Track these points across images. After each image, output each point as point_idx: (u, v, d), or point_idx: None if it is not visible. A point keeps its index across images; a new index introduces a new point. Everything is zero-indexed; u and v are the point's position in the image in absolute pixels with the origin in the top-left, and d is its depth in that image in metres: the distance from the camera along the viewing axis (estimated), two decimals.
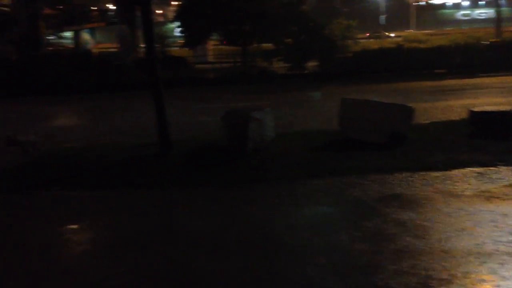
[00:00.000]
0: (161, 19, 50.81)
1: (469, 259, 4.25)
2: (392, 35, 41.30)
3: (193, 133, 10.60)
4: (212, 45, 36.27)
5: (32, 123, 13.50)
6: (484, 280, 3.91)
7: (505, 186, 6.14)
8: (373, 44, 30.44)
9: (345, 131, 9.00)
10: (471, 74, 21.45)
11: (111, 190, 7.02)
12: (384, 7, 41.33)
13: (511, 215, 5.19)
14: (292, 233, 5.10)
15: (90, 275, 4.47)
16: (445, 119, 10.72)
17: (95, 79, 22.77)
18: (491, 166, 6.90)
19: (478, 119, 8.73)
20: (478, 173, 6.70)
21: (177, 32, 32.84)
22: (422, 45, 26.23)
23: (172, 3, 47.96)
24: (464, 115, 9.70)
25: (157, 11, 50.69)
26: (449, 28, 49.96)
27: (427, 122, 10.32)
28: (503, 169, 6.79)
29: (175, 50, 33.54)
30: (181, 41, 31.44)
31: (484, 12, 61.47)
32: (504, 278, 3.92)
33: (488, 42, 25.16)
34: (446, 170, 6.86)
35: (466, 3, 64.99)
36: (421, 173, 6.80)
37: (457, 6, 65.50)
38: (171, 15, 40.52)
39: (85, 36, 41.01)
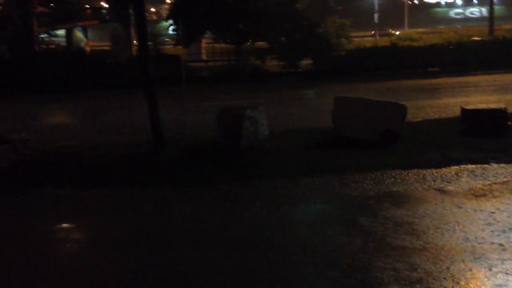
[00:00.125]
0: (154, 17, 50.72)
1: (461, 256, 4.28)
2: (397, 33, 41.22)
3: (187, 131, 10.59)
4: (206, 43, 36.24)
5: (25, 121, 13.45)
6: (476, 276, 3.94)
7: (497, 183, 6.18)
8: (367, 42, 30.51)
9: (338, 129, 9.02)
10: (463, 72, 21.54)
11: (105, 189, 7.01)
12: (378, 6, 41.35)
13: (504, 212, 5.23)
14: (286, 230, 5.12)
15: (85, 274, 4.47)
16: (437, 117, 10.78)
17: (88, 77, 22.70)
18: (484, 164, 6.95)
19: (470, 117, 8.79)
20: (470, 170, 6.74)
21: (171, 30, 32.80)
22: (415, 44, 26.32)
23: (166, 0, 47.89)
24: (456, 113, 9.75)
25: (150, 9, 50.60)
26: (442, 27, 50.12)
27: (420, 120, 10.37)
28: (495, 166, 6.84)
29: (169, 49, 33.48)
30: (169, 39, 31.39)
31: (476, 11, 61.76)
32: (496, 273, 3.95)
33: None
34: (439, 167, 6.91)
35: (459, 2, 65.24)
36: (414, 170, 6.84)
37: (450, 5, 65.74)
38: (164, 13, 40.46)
39: (78, 34, 40.84)
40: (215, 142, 8.78)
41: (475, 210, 5.32)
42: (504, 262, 4.13)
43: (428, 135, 8.77)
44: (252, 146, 8.45)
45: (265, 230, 5.22)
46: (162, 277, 4.30)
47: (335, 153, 7.91)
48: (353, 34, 31.43)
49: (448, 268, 4.09)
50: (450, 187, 6.11)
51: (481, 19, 53.26)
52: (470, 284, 3.84)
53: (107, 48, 37.17)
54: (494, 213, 5.21)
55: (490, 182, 6.21)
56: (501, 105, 9.10)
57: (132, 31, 32.17)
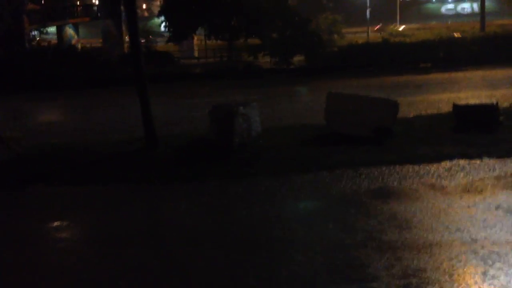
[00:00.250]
0: (146, 14, 50.53)
1: (455, 251, 4.30)
2: (401, 28, 41.15)
3: (180, 128, 10.57)
4: (198, 40, 36.15)
5: (17, 119, 13.37)
6: (470, 271, 3.96)
7: (490, 178, 6.21)
8: (360, 39, 30.53)
9: (331, 125, 9.03)
10: (455, 68, 21.61)
11: (98, 186, 6.99)
12: (369, 2, 41.36)
13: (497, 206, 5.25)
14: (280, 227, 5.12)
15: (79, 272, 4.46)
16: (430, 113, 10.80)
17: (80, 75, 22.57)
18: (476, 159, 6.98)
19: (462, 112, 8.82)
20: (463, 165, 6.77)
21: (162, 27, 32.70)
22: (407, 40, 26.37)
23: None
24: (448, 108, 9.78)
25: (142, 6, 50.40)
26: (433, 22, 50.25)
27: (412, 116, 10.39)
28: (487, 161, 6.87)
29: (160, 46, 33.37)
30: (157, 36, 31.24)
31: (468, 6, 61.94)
32: (489, 269, 3.98)
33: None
34: (431, 163, 6.93)
35: None
36: (407, 166, 6.86)
37: (441, 1, 65.90)
38: (156, 9, 40.33)
39: (69, 31, 40.62)
40: (207, 139, 8.76)
41: (468, 206, 5.34)
42: (498, 257, 4.15)
43: (420, 131, 8.79)
44: (245, 143, 8.44)
45: (259, 226, 5.22)
46: (157, 274, 4.29)
47: (328, 150, 7.92)
48: (349, 30, 31.50)
49: (441, 263, 4.11)
50: (443, 183, 6.13)
51: (472, 14, 53.43)
52: (464, 280, 3.86)
53: (99, 45, 37.01)
54: (487, 208, 5.23)
55: (482, 177, 6.24)
56: (493, 100, 9.15)
57: (124, 28, 32.05)
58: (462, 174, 6.41)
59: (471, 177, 6.27)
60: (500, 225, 4.77)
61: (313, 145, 8.41)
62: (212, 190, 6.54)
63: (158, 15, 31.33)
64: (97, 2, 41.62)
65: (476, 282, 3.81)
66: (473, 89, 15.05)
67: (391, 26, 41.77)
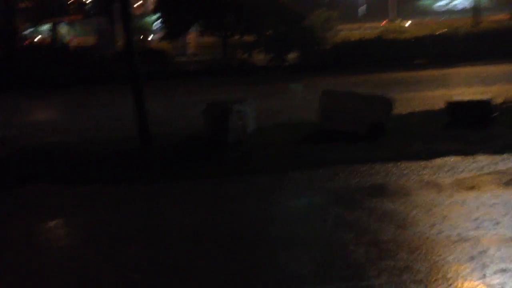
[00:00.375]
0: (140, 11, 50.33)
1: (450, 248, 4.32)
2: (407, 24, 40.99)
3: (175, 126, 10.54)
4: (192, 37, 36.02)
5: (8, 117, 13.31)
6: (465, 268, 3.98)
7: (484, 174, 6.24)
8: (355, 35, 30.48)
9: (325, 122, 9.03)
10: (449, 64, 21.65)
11: (93, 185, 6.98)
12: None
13: (491, 203, 5.28)
14: (275, 225, 5.13)
15: (78, 271, 4.45)
16: (423, 109, 10.82)
17: (73, 73, 22.49)
18: (470, 155, 7.00)
19: (456, 109, 8.84)
20: (456, 162, 6.80)
21: (156, 24, 32.60)
22: (401, 36, 26.36)
23: None
24: (442, 105, 9.80)
25: (135, 3, 50.21)
26: (427, 19, 50.29)
27: (406, 112, 10.40)
28: (481, 157, 6.90)
29: (154, 43, 33.23)
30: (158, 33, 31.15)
31: (462, 3, 62.00)
32: (485, 266, 3.99)
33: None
34: (425, 159, 6.95)
35: None
36: (401, 163, 6.88)
37: None
38: (150, 7, 40.16)
39: (62, 29, 40.42)
40: (203, 137, 8.76)
41: (462, 202, 5.36)
42: (492, 254, 4.17)
43: (414, 128, 8.82)
44: (240, 141, 8.44)
45: (255, 224, 5.23)
46: (157, 273, 4.29)
47: (323, 147, 7.93)
48: (344, 26, 31.40)
49: (436, 260, 4.12)
50: (437, 179, 6.16)
51: (466, 10, 53.45)
52: (459, 276, 3.88)
53: (92, 43, 36.85)
54: (481, 204, 5.25)
55: (476, 174, 6.27)
56: (486, 96, 9.17)
57: (117, 25, 31.90)
58: (456, 171, 6.43)
59: (465, 174, 6.29)
60: (496, 223, 4.79)
61: (308, 142, 8.42)
62: (207, 188, 6.54)
63: (152, 13, 31.19)
64: (90, 0, 41.41)
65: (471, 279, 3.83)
66: (467, 85, 15.08)
67: (398, 21, 41.67)
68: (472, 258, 4.10)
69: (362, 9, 40.49)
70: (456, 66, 21.25)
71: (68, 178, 7.29)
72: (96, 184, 6.99)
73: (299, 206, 5.80)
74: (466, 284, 3.76)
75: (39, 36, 38.47)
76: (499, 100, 10.16)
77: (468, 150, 7.20)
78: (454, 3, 59.81)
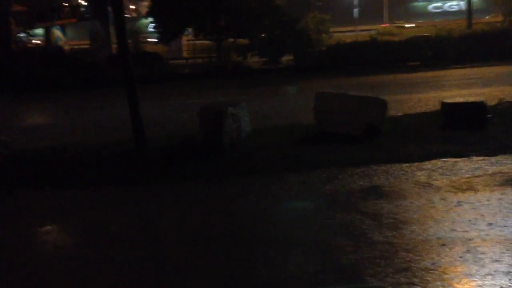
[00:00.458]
0: (134, 14, 50.28)
1: (445, 249, 4.32)
2: (408, 26, 41.11)
3: (169, 129, 10.54)
4: (186, 40, 36.04)
5: (4, 121, 13.26)
6: (461, 270, 3.98)
7: (478, 176, 6.25)
8: (349, 37, 30.58)
9: (320, 124, 9.04)
10: (443, 66, 21.75)
11: (89, 188, 6.94)
12: (358, 0, 41.48)
13: (486, 204, 5.28)
14: (271, 227, 5.12)
15: (75, 273, 4.43)
16: (418, 111, 10.86)
17: (68, 76, 22.47)
18: (465, 157, 7.02)
19: (450, 110, 8.87)
20: (451, 163, 6.81)
21: (150, 28, 32.58)
22: (395, 38, 26.47)
23: None
24: (436, 106, 9.84)
25: (129, 7, 50.14)
26: (421, 21, 50.46)
27: (401, 114, 10.44)
28: (476, 159, 6.92)
29: (149, 46, 33.23)
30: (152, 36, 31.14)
31: (455, 4, 62.25)
32: (479, 266, 3.99)
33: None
34: (420, 161, 6.96)
35: None
36: (396, 165, 6.88)
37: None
38: (144, 10, 40.12)
39: (56, 32, 40.35)
40: (197, 139, 8.74)
41: (458, 204, 5.37)
42: (488, 255, 4.17)
43: (409, 129, 8.83)
44: (234, 143, 8.43)
45: (250, 226, 5.22)
46: (155, 273, 4.27)
47: (317, 149, 7.93)
48: (338, 29, 31.50)
49: (433, 262, 4.12)
50: (431, 181, 6.16)
51: (460, 12, 53.68)
52: (456, 278, 3.88)
53: (86, 46, 36.79)
54: (476, 206, 5.26)
55: (471, 175, 6.28)
56: (481, 98, 9.21)
57: (111, 29, 31.86)
58: (451, 173, 6.45)
59: (460, 176, 6.31)
60: (491, 224, 4.80)
61: (302, 144, 8.43)
62: (204, 189, 6.53)
63: (146, 16, 31.19)
64: (84, 3, 41.33)
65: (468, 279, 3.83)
66: (461, 87, 15.15)
67: (398, 24, 41.79)
68: (466, 260, 4.11)
69: (355, 11, 40.60)
70: (450, 68, 21.36)
71: (62, 182, 7.25)
72: (91, 187, 6.95)
73: (295, 207, 5.79)
74: (460, 285, 3.76)
75: (33, 40, 38.37)
76: (493, 102, 10.21)
77: (463, 151, 7.21)
78: (448, 4, 60.06)
